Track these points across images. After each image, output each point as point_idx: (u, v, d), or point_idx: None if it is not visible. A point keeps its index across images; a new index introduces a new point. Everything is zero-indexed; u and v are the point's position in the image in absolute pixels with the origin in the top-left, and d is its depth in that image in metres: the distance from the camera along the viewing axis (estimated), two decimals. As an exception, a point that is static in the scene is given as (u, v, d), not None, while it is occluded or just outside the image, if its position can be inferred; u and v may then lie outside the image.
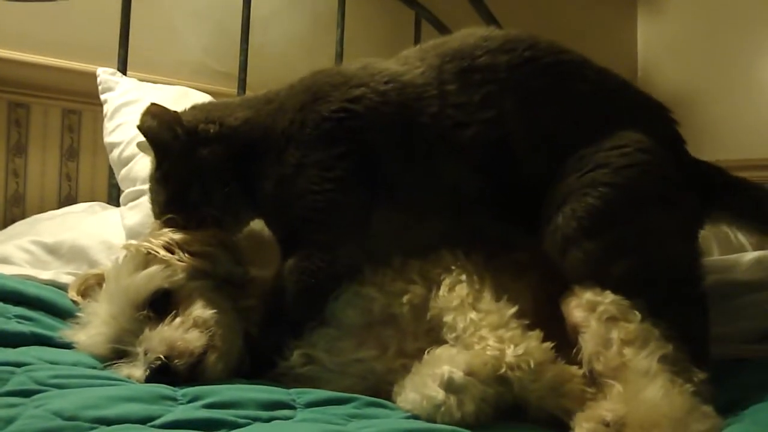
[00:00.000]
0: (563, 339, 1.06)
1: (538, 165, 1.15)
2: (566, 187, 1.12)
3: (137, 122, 1.21)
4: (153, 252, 1.11)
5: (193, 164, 1.17)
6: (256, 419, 0.89)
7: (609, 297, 1.06)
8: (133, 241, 1.20)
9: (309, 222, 1.13)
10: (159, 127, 1.17)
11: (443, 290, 1.07)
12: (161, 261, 1.10)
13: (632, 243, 1.10)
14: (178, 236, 1.14)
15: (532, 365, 0.96)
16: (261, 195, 1.17)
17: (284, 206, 1.15)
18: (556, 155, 1.15)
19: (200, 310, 1.07)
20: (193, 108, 1.23)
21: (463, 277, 1.08)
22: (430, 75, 1.17)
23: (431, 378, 0.95)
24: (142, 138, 1.23)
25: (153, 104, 1.19)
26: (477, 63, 1.17)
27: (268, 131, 1.17)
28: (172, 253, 1.11)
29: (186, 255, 1.11)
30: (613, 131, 1.15)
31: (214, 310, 1.07)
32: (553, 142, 1.16)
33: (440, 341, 1.06)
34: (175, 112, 1.19)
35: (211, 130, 1.17)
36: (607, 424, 0.89)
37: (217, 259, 1.13)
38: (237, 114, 1.20)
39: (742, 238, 1.68)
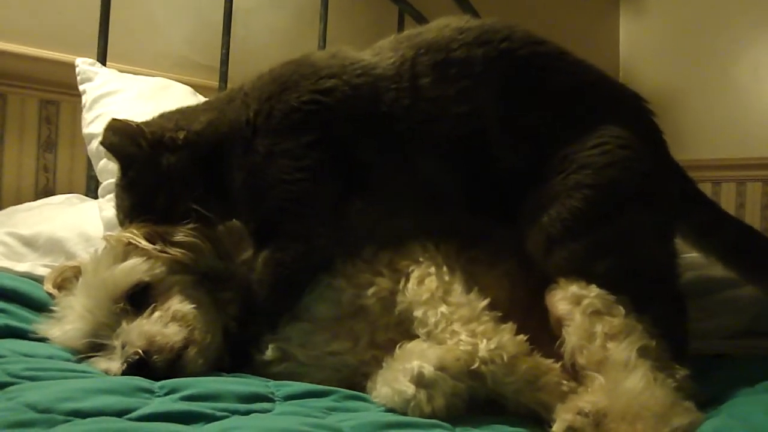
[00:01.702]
0: (541, 328, 1.06)
1: (516, 159, 1.15)
2: (551, 189, 1.12)
3: (100, 138, 1.19)
4: (134, 242, 1.09)
5: (160, 172, 1.15)
6: (234, 412, 0.88)
7: (594, 291, 1.06)
8: (113, 233, 1.18)
9: (282, 212, 1.12)
10: (122, 142, 1.16)
11: (412, 283, 1.07)
12: (141, 253, 1.09)
13: (614, 242, 1.10)
14: (160, 228, 1.12)
15: (506, 359, 0.96)
16: (233, 190, 1.16)
17: (256, 197, 1.14)
18: (535, 149, 1.14)
19: (180, 304, 1.06)
20: (161, 116, 1.22)
21: (432, 269, 1.08)
22: (402, 67, 1.16)
23: (402, 373, 0.95)
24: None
25: (114, 119, 1.17)
26: (452, 56, 1.15)
27: (233, 125, 1.16)
28: (154, 244, 1.10)
29: (168, 246, 1.10)
30: (593, 124, 1.15)
31: (194, 305, 1.06)
32: (531, 137, 1.15)
33: (412, 333, 1.05)
34: (138, 124, 1.17)
35: (180, 138, 1.16)
36: (586, 415, 0.89)
37: (200, 252, 1.12)
38: (200, 118, 1.19)
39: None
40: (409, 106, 1.14)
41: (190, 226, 1.14)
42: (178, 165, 1.15)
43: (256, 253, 1.13)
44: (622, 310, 1.04)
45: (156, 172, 1.15)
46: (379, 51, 1.20)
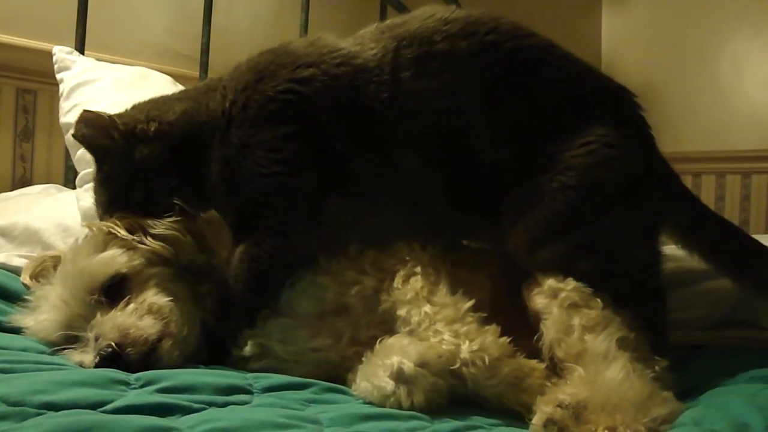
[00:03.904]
0: (524, 330, 1.06)
1: (500, 156, 1.13)
2: (535, 190, 1.11)
3: (72, 131, 1.17)
4: (114, 232, 1.08)
5: (134, 165, 1.13)
6: (211, 404, 0.87)
7: (571, 284, 1.06)
8: (95, 222, 1.17)
9: (258, 205, 1.10)
10: (94, 135, 1.14)
11: (397, 282, 1.06)
12: (121, 243, 1.07)
13: (597, 242, 1.10)
14: (142, 219, 1.11)
15: (488, 361, 0.96)
16: (210, 181, 1.14)
17: (233, 190, 1.12)
18: (520, 145, 1.13)
19: (155, 297, 1.04)
20: (133, 108, 1.20)
21: (418, 269, 1.07)
22: (384, 59, 1.13)
23: (382, 368, 0.94)
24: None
25: (86, 111, 1.16)
26: (435, 49, 1.13)
27: (209, 116, 1.14)
28: (134, 234, 1.08)
29: (149, 238, 1.08)
30: (580, 120, 1.13)
31: (170, 298, 1.05)
32: (516, 133, 1.13)
33: (395, 331, 1.04)
34: (110, 116, 1.15)
35: (151, 129, 1.14)
36: (565, 407, 0.89)
37: (181, 246, 1.10)
38: (174, 108, 1.16)
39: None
40: (389, 100, 1.11)
41: (173, 219, 1.12)
42: (152, 156, 1.13)
43: (234, 247, 1.12)
44: (599, 302, 1.04)
45: (130, 164, 1.13)
46: (361, 41, 1.18)
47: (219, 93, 1.15)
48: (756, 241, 1.22)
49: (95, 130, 1.14)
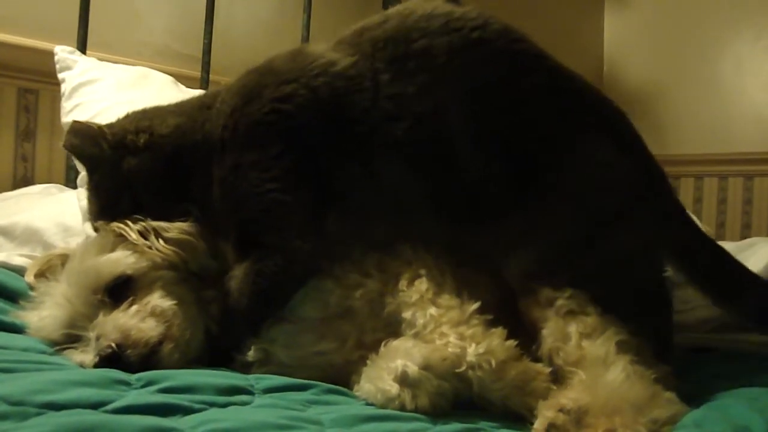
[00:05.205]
0: (527, 331, 1.05)
1: (486, 166, 1.08)
2: (527, 221, 1.07)
3: (62, 141, 1.17)
4: (124, 233, 1.08)
5: (122, 175, 1.13)
6: (212, 404, 0.87)
7: (567, 292, 1.04)
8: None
9: (256, 224, 1.09)
10: (83, 144, 1.14)
11: (402, 284, 1.05)
12: (130, 245, 1.07)
13: (595, 272, 1.07)
14: (155, 223, 1.11)
15: (494, 364, 0.95)
16: (208, 199, 1.13)
17: (231, 210, 1.11)
18: (507, 156, 1.08)
19: (159, 300, 1.04)
20: (126, 117, 1.20)
21: (423, 270, 1.06)
22: (363, 65, 1.09)
23: (386, 371, 0.94)
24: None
25: (75, 122, 1.16)
26: (413, 48, 1.08)
27: (206, 135, 1.13)
28: (146, 238, 1.08)
29: (161, 242, 1.08)
30: (575, 138, 1.09)
31: (174, 302, 1.04)
32: (501, 142, 1.08)
33: (400, 334, 1.04)
34: (100, 126, 1.15)
35: (141, 141, 1.14)
36: (567, 412, 0.88)
37: (194, 250, 1.10)
38: (168, 121, 1.16)
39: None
40: (370, 106, 1.08)
41: (187, 223, 1.12)
42: (140, 168, 1.13)
43: (238, 263, 1.10)
44: (596, 308, 1.02)
45: (118, 175, 1.13)
46: (340, 46, 1.14)
47: (213, 113, 1.15)
48: (746, 270, 1.18)
49: (84, 139, 1.14)
